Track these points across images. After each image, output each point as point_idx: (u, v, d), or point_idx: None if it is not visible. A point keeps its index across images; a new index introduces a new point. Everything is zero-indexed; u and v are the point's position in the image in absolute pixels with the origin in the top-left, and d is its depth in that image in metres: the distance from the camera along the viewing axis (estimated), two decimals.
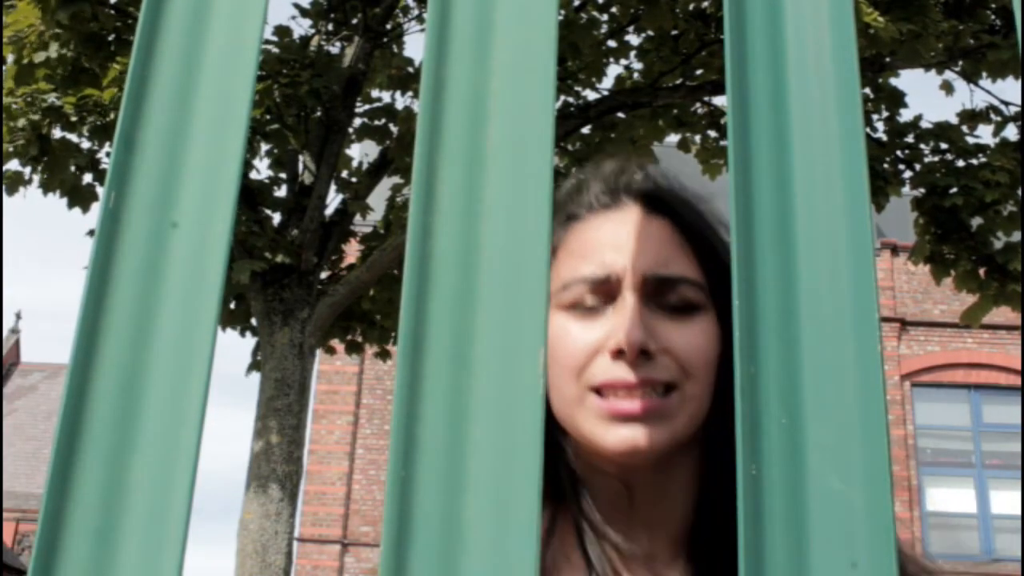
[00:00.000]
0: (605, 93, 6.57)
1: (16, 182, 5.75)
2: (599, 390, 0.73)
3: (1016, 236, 6.09)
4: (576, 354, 0.74)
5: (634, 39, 6.62)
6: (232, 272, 5.46)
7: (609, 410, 0.72)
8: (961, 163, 6.22)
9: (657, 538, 0.76)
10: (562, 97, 6.44)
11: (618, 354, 0.73)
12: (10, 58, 5.33)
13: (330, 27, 6.50)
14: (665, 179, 0.84)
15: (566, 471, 0.78)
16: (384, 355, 7.16)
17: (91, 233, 5.55)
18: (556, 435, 0.77)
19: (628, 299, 0.75)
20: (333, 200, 6.20)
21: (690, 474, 0.77)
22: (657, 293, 0.76)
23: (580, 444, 0.76)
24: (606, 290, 0.76)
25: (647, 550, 0.76)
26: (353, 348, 6.91)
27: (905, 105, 6.42)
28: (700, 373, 0.73)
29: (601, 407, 0.72)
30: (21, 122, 5.27)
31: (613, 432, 0.72)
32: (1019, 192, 6.00)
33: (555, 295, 0.78)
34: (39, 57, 5.20)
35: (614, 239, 0.79)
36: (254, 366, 6.45)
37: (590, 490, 0.77)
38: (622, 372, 0.72)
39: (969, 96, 9.48)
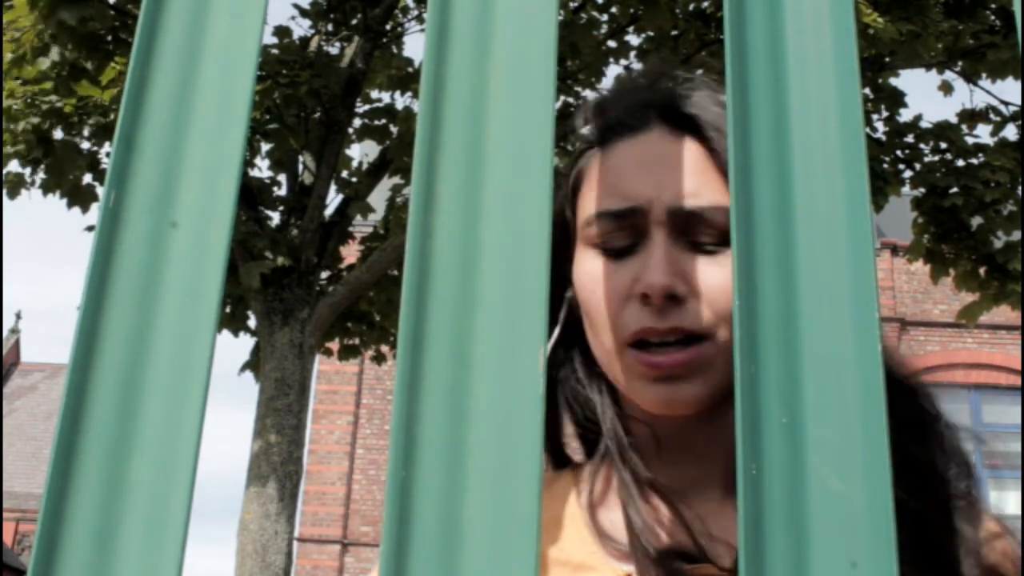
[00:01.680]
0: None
1: (18, 184, 5.75)
2: (632, 342, 0.68)
3: (1016, 236, 6.09)
4: (609, 301, 0.70)
5: (634, 39, 6.62)
6: (239, 276, 5.47)
7: (644, 365, 0.68)
8: (961, 163, 6.22)
9: (705, 479, 0.73)
10: (562, 97, 6.44)
11: (645, 299, 0.68)
12: (9, 55, 5.33)
13: (330, 27, 6.50)
14: (690, 95, 0.75)
15: (612, 411, 0.75)
16: (380, 358, 7.14)
17: (90, 228, 5.56)
18: (600, 378, 0.74)
19: (655, 236, 0.69)
20: (333, 200, 6.20)
21: (732, 419, 0.73)
22: (687, 228, 0.69)
23: (626, 397, 0.73)
24: (632, 224, 0.70)
25: (698, 491, 0.72)
26: (348, 352, 6.90)
27: (905, 105, 6.43)
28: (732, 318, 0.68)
29: (636, 362, 0.68)
30: (22, 125, 5.27)
31: (650, 390, 0.69)
32: (1019, 192, 6.00)
33: (582, 229, 0.73)
34: (43, 63, 5.19)
35: (638, 168, 0.72)
36: (248, 366, 6.46)
37: (641, 429, 0.74)
38: (651, 319, 0.67)
39: (969, 96, 9.47)
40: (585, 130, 0.78)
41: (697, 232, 0.70)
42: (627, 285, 0.69)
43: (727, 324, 0.67)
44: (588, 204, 0.73)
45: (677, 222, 0.70)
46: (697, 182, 0.71)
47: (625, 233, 0.71)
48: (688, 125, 0.73)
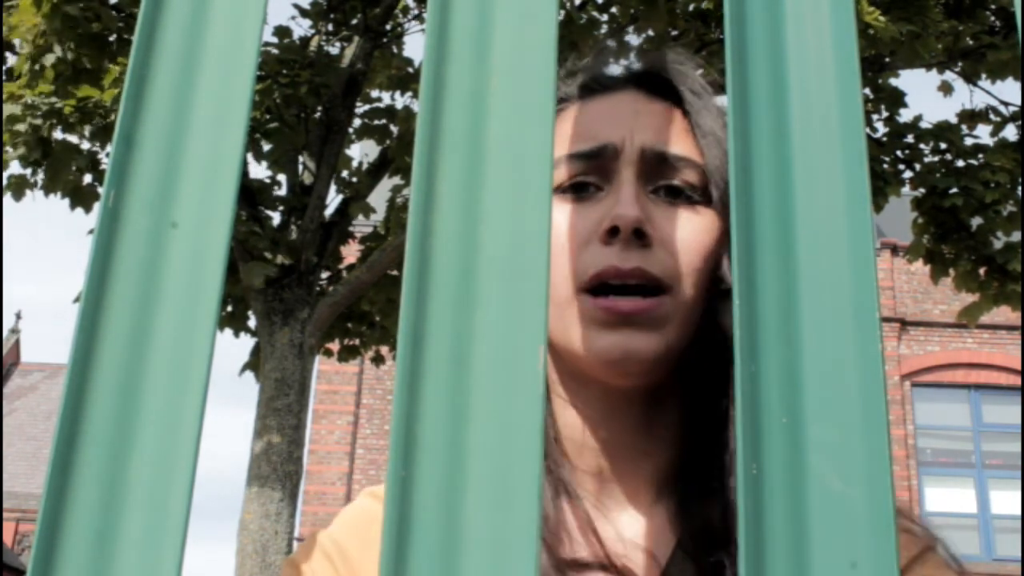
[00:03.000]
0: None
1: (22, 186, 5.75)
2: (591, 289, 0.65)
3: (1016, 236, 6.09)
4: (570, 243, 0.66)
5: (634, 39, 6.62)
6: (239, 275, 5.47)
7: (602, 309, 0.64)
8: (961, 163, 6.22)
9: (639, 474, 0.70)
10: None
11: (611, 234, 0.65)
12: (12, 58, 5.33)
13: (330, 27, 6.50)
14: (670, 63, 0.75)
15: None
16: (379, 360, 7.13)
17: (92, 232, 5.52)
18: None
19: (625, 176, 0.68)
20: (333, 200, 6.20)
21: (675, 408, 0.70)
22: (657, 173, 0.68)
23: (566, 357, 0.68)
24: (601, 166, 0.69)
25: (627, 486, 0.69)
26: (348, 353, 6.91)
27: (905, 105, 6.43)
28: (695, 275, 0.66)
29: (594, 307, 0.65)
30: (21, 126, 5.27)
31: (605, 337, 0.65)
32: (1019, 192, 6.00)
33: None
34: (49, 59, 5.19)
35: (611, 115, 0.71)
36: (248, 366, 6.46)
37: (568, 411, 0.70)
38: (614, 257, 0.65)
39: (969, 96, 9.48)
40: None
41: (667, 176, 0.68)
42: (591, 226, 0.67)
43: (689, 279, 0.66)
44: (556, 150, 0.70)
45: (648, 163, 0.68)
46: (670, 133, 0.70)
47: (593, 176, 0.69)
48: (663, 90, 0.73)
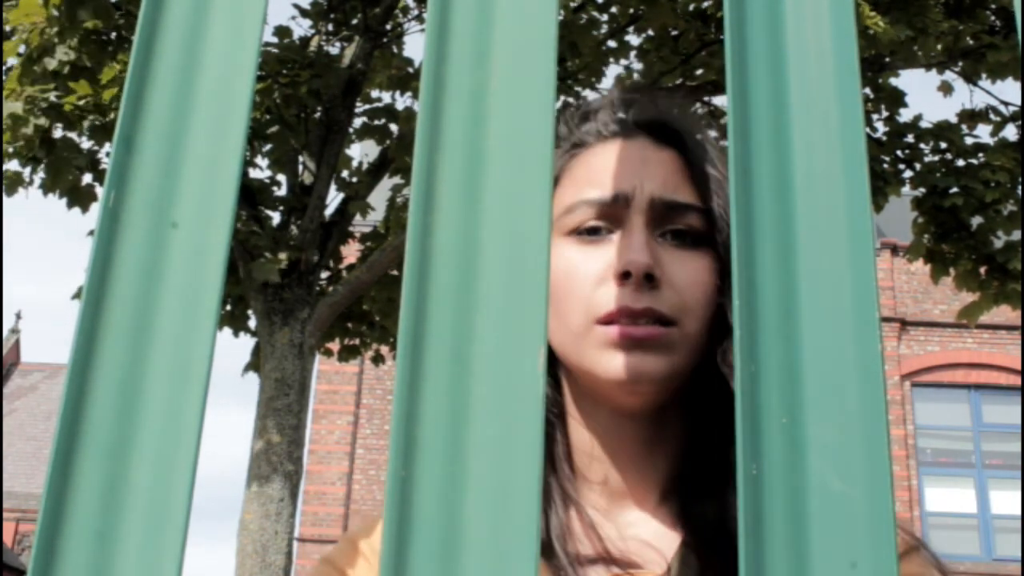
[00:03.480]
0: (605, 93, 6.54)
1: (16, 183, 5.75)
2: (604, 320, 0.72)
3: (1016, 236, 6.09)
4: (583, 284, 0.74)
5: (634, 39, 6.62)
6: (239, 275, 5.47)
7: (615, 335, 0.71)
8: (961, 163, 6.22)
9: (645, 483, 0.76)
10: (562, 97, 6.43)
11: (624, 277, 0.72)
12: (11, 60, 5.32)
13: (330, 27, 6.50)
14: (674, 110, 0.82)
15: (555, 409, 0.78)
16: (378, 359, 7.14)
17: (91, 234, 5.53)
18: (553, 370, 0.78)
19: (635, 223, 0.74)
20: (333, 200, 6.20)
21: (678, 427, 0.77)
22: (664, 219, 0.75)
23: (579, 378, 0.76)
24: (613, 213, 0.75)
25: (633, 494, 0.76)
26: (348, 353, 6.91)
27: (905, 105, 6.42)
28: (699, 311, 0.73)
29: (607, 333, 0.72)
30: (29, 127, 5.26)
31: (617, 359, 0.71)
32: (1019, 192, 6.00)
33: (558, 220, 0.77)
34: (51, 64, 5.19)
35: (622, 164, 0.77)
36: (251, 366, 6.46)
37: (579, 428, 0.77)
38: (627, 298, 0.71)
39: (969, 96, 9.47)
40: (566, 132, 0.83)
41: (674, 223, 0.75)
42: (603, 269, 0.74)
43: (693, 317, 0.73)
44: (566, 196, 0.78)
45: (657, 211, 0.75)
46: (676, 182, 0.77)
47: (604, 221, 0.75)
48: (669, 137, 0.79)
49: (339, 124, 6.11)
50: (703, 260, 0.74)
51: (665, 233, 0.75)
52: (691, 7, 6.21)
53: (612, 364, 0.72)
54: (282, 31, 6.19)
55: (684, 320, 0.72)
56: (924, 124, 6.40)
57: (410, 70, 6.76)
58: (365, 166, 6.50)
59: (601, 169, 0.78)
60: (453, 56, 0.39)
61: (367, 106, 6.57)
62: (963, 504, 12.21)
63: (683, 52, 6.31)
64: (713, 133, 0.82)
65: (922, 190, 6.23)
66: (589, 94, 6.60)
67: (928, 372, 12.66)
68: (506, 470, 0.33)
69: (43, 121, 5.26)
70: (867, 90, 6.35)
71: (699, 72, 6.45)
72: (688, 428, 0.77)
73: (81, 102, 5.33)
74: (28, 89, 5.25)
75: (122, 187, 0.37)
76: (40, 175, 5.70)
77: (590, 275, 0.74)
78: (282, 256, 5.53)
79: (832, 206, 0.37)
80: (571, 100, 6.47)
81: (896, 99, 6.41)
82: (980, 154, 6.18)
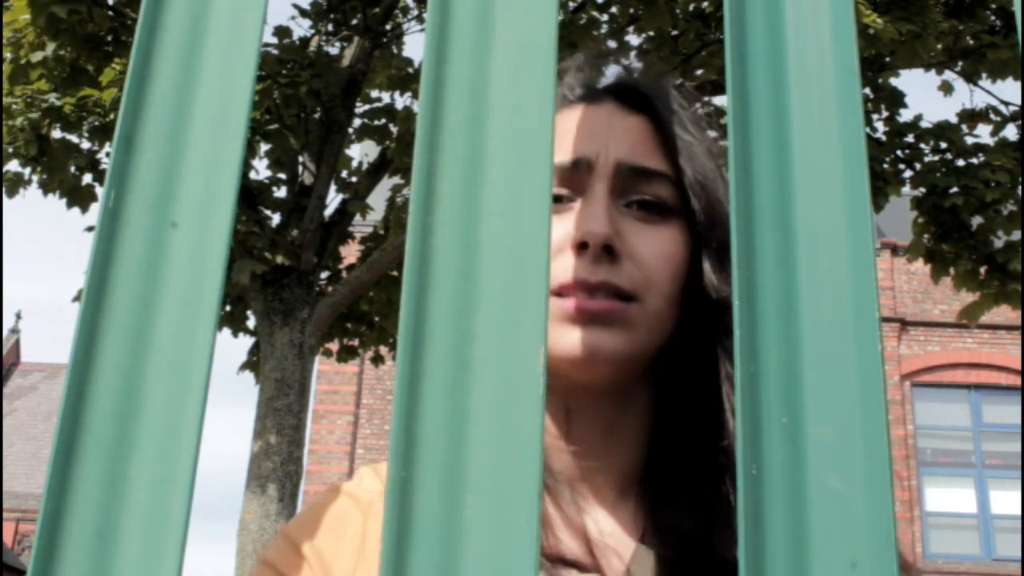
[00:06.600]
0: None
1: (16, 183, 5.76)
2: (559, 292, 0.67)
3: (1016, 236, 6.09)
4: None
5: (634, 39, 6.62)
6: (232, 273, 5.47)
7: (570, 307, 0.66)
8: (961, 163, 6.22)
9: (604, 473, 0.71)
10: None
11: (581, 248, 0.67)
12: (8, 56, 5.33)
13: (330, 27, 6.50)
14: (645, 75, 0.77)
15: None
16: (378, 360, 7.13)
17: (90, 229, 5.57)
18: None
19: (597, 190, 0.69)
20: (333, 200, 6.20)
21: (643, 410, 0.72)
22: (630, 187, 0.70)
23: None
24: (575, 179, 0.70)
25: (591, 484, 0.71)
26: (348, 353, 6.91)
27: (905, 105, 6.42)
28: (664, 287, 0.68)
29: (562, 306, 0.66)
30: (20, 121, 5.27)
31: (572, 334, 0.66)
32: (1019, 192, 6.00)
33: None
34: (36, 57, 5.20)
35: (586, 127, 0.72)
36: (247, 365, 6.46)
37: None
38: (583, 270, 0.66)
39: (969, 96, 9.47)
40: None
41: (640, 190, 0.70)
42: (563, 236, 0.68)
43: (656, 292, 0.68)
44: None
45: (622, 177, 0.70)
46: (645, 149, 0.72)
47: (566, 188, 0.71)
48: (639, 103, 0.74)
49: (339, 124, 6.11)
50: (671, 232, 0.70)
51: (631, 203, 0.70)
52: (691, 7, 6.21)
53: (566, 339, 0.66)
54: (282, 31, 6.19)
55: (646, 296, 0.67)
56: (924, 124, 6.40)
57: (410, 70, 6.76)
58: (365, 166, 6.50)
59: (565, 133, 0.72)
60: (453, 56, 0.39)
61: (367, 106, 6.58)
62: (963, 504, 12.20)
63: (683, 52, 6.31)
64: (688, 103, 0.76)
65: (922, 190, 6.23)
66: None
67: (928, 372, 12.65)
68: (506, 470, 0.33)
69: (37, 117, 5.26)
70: (867, 90, 6.35)
71: (699, 72, 6.45)
72: (653, 412, 0.72)
73: (81, 102, 5.33)
74: (19, 89, 5.25)
75: (122, 187, 0.37)
76: (40, 175, 5.71)
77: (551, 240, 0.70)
78: (278, 258, 5.53)
79: (832, 206, 0.37)
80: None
81: (896, 99, 6.41)
82: (980, 154, 6.18)
